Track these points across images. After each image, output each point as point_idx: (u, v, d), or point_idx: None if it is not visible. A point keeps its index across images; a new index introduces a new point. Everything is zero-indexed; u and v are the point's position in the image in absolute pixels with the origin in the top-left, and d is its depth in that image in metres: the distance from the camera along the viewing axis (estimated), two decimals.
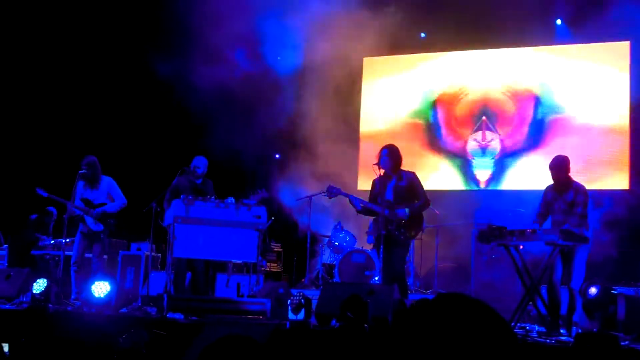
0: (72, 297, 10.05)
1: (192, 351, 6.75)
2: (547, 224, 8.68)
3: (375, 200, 9.16)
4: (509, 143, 14.25)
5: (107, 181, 10.52)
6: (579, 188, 8.52)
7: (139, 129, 14.31)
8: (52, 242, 12.52)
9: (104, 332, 3.88)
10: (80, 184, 10.37)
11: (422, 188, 9.19)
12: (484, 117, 14.45)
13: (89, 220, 10.29)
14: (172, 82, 13.21)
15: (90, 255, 10.51)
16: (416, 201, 9.09)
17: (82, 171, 10.27)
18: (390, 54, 15.17)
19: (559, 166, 8.60)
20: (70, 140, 13.67)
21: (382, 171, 9.03)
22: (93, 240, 10.38)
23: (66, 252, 10.53)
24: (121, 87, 14.19)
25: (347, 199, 9.32)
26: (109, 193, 10.48)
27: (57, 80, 14.16)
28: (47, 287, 9.45)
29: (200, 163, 10.40)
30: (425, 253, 12.43)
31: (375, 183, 9.24)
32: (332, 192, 9.43)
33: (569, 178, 8.61)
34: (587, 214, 8.48)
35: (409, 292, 9.93)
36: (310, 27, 13.53)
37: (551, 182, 8.74)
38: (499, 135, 14.32)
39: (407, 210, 8.94)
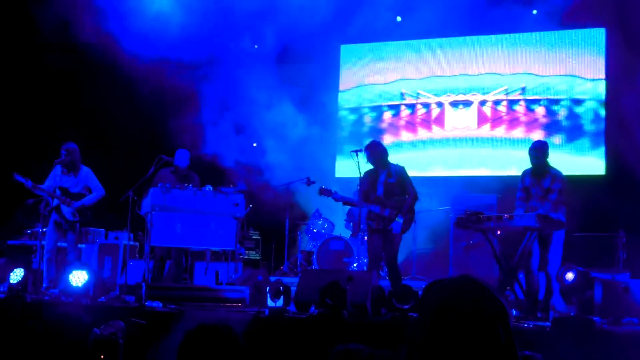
0: (44, 285, 9.97)
1: (171, 340, 6.74)
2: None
3: (366, 196, 9.27)
4: (485, 129, 14.28)
5: (85, 171, 10.40)
6: (556, 175, 8.59)
7: (115, 117, 14.19)
8: (29, 231, 12.39)
9: (81, 322, 3.86)
10: (58, 170, 10.26)
11: (411, 182, 9.36)
12: (459, 105, 14.48)
13: (66, 209, 10.17)
14: (144, 69, 13.11)
15: (65, 244, 10.42)
16: (406, 196, 9.22)
17: (62, 154, 10.17)
18: (367, 40, 15.13)
19: (539, 151, 8.67)
20: (46, 130, 13.53)
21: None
22: (68, 229, 10.27)
23: (43, 242, 10.44)
24: (97, 76, 14.05)
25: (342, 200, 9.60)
26: (87, 184, 10.37)
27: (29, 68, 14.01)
28: (24, 277, 9.40)
29: (181, 159, 10.32)
30: (404, 239, 12.44)
31: (364, 179, 9.39)
32: (324, 193, 9.56)
33: (547, 164, 8.67)
34: (564, 200, 8.54)
35: (381, 278, 10.04)
36: (286, 13, 13.47)
37: (529, 166, 8.80)
38: (475, 120, 14.35)
39: (400, 222, 9.12)
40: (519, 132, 13.98)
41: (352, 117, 15.33)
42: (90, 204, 10.30)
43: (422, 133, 14.72)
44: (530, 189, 8.67)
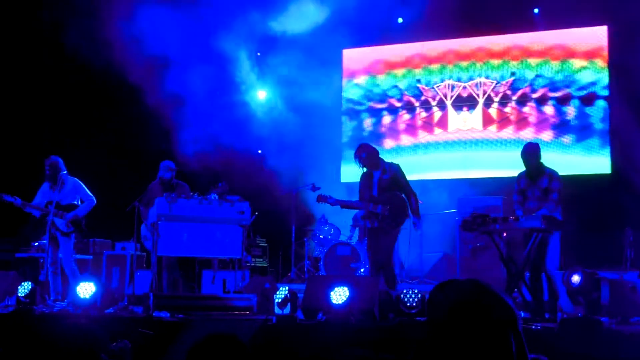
0: (52, 298, 10.01)
1: (177, 349, 6.75)
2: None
3: (362, 197, 9.29)
4: (491, 130, 14.28)
5: (72, 182, 10.44)
6: (552, 174, 8.59)
7: (118, 126, 14.23)
8: (36, 244, 12.41)
9: (91, 334, 3.85)
10: (46, 185, 10.36)
11: (407, 181, 9.27)
12: (463, 107, 14.49)
13: (59, 222, 10.23)
14: (147, 76, 13.14)
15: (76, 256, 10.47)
16: (402, 194, 9.18)
17: (45, 170, 10.28)
18: (369, 42, 15.14)
19: (531, 154, 8.67)
20: (53, 141, 13.55)
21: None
22: (63, 240, 10.30)
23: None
24: (98, 84, 14.05)
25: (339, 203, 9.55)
26: (77, 195, 10.43)
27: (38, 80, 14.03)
28: (32, 290, 9.43)
29: (164, 171, 10.37)
30: (411, 242, 12.44)
31: (361, 182, 9.38)
32: (321, 200, 9.57)
33: (541, 164, 8.67)
34: (561, 199, 8.56)
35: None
36: (287, 19, 13.52)
37: (523, 169, 8.82)
38: (480, 122, 14.35)
39: (417, 220, 9.16)
40: (527, 133, 13.95)
41: (355, 122, 15.34)
42: (84, 214, 10.36)
43: (427, 136, 14.74)
44: (526, 191, 8.68)
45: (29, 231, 12.52)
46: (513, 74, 14.21)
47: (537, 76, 14.03)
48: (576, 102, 13.74)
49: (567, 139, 13.67)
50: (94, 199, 10.47)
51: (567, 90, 13.82)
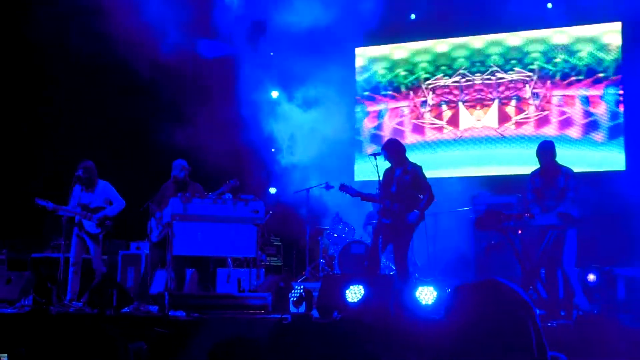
0: (68, 298, 10.06)
1: (193, 348, 6.77)
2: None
3: (382, 192, 9.35)
4: (503, 128, 14.22)
5: (103, 185, 10.52)
6: (568, 173, 8.58)
7: (132, 127, 14.24)
8: (52, 244, 12.48)
9: (107, 334, 3.86)
10: (77, 188, 10.40)
11: (427, 182, 9.31)
12: (476, 104, 14.44)
13: (88, 224, 10.29)
14: (158, 75, 13.14)
15: (86, 256, 10.53)
16: (420, 195, 9.18)
17: (79, 173, 10.30)
18: (381, 38, 15.08)
19: (546, 151, 8.66)
20: (65, 142, 13.60)
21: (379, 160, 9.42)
22: (91, 242, 10.36)
23: (66, 254, 10.53)
24: (112, 88, 14.09)
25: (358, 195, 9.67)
26: (107, 197, 10.49)
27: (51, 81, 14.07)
28: (48, 290, 9.48)
29: (176, 170, 10.41)
30: (425, 240, 12.43)
31: (383, 176, 9.43)
32: (343, 189, 9.59)
33: (556, 163, 8.65)
34: (577, 196, 8.53)
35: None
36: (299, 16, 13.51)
37: (537, 166, 8.80)
38: (496, 119, 14.30)
39: (417, 212, 9.09)
40: (549, 129, 13.81)
41: (369, 119, 15.32)
42: (113, 215, 10.43)
43: (436, 134, 14.69)
44: (542, 190, 8.65)
45: (47, 231, 12.59)
46: (529, 69, 14.13)
47: (558, 71, 13.91)
48: (607, 97, 13.58)
49: (597, 135, 13.51)
50: (124, 202, 10.54)
51: (589, 86, 13.69)
